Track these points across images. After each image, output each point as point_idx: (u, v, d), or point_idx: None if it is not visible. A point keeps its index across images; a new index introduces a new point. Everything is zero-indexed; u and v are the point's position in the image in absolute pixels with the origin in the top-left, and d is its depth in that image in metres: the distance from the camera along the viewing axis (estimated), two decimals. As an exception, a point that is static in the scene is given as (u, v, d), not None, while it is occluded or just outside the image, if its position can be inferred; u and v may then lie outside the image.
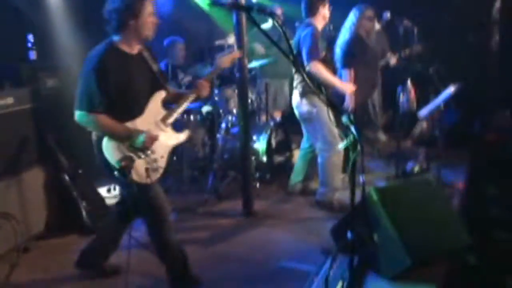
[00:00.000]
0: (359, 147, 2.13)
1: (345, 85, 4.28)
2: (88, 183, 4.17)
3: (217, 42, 6.28)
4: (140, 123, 2.75)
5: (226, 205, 4.51)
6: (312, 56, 3.95)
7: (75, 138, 3.74)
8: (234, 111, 5.07)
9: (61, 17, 4.70)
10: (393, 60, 5.44)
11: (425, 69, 4.96)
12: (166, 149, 2.86)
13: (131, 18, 2.62)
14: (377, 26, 5.29)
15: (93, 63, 2.59)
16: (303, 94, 4.16)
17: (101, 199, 4.29)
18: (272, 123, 4.93)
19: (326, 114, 4.03)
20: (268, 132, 4.79)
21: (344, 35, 4.76)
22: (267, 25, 6.43)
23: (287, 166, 5.03)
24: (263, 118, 5.56)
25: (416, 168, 4.91)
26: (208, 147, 5.03)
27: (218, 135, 4.91)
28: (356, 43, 4.63)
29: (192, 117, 4.97)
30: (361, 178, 2.15)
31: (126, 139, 2.67)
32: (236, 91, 5.11)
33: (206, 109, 5.29)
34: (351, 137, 2.16)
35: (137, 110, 2.76)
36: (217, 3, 2.53)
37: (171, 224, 2.93)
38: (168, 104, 2.95)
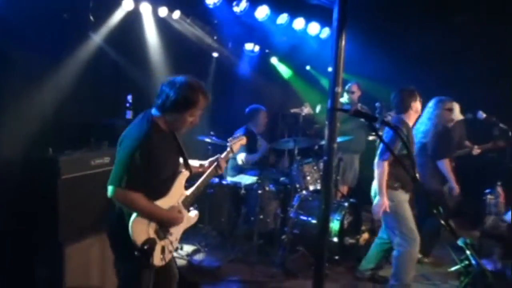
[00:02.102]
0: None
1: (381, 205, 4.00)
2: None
3: (292, 110, 6.38)
4: (165, 203, 2.73)
5: (293, 283, 4.45)
6: (381, 157, 3.95)
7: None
8: (311, 187, 5.10)
9: (161, 77, 4.86)
10: (476, 151, 5.62)
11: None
12: (180, 231, 2.87)
13: (174, 111, 2.62)
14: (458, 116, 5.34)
15: (139, 140, 2.54)
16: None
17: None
18: (346, 204, 4.88)
19: (404, 209, 4.03)
20: (343, 213, 4.76)
21: (424, 125, 4.82)
22: (343, 99, 6.54)
23: (356, 248, 4.95)
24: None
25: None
26: (280, 220, 5.04)
27: (290, 209, 4.92)
28: (444, 134, 4.71)
29: (267, 188, 5.02)
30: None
31: (164, 220, 2.68)
32: (315, 167, 5.21)
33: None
34: (465, 262, 2.14)
35: (164, 189, 2.75)
36: (340, 109, 2.64)
37: None
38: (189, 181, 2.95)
